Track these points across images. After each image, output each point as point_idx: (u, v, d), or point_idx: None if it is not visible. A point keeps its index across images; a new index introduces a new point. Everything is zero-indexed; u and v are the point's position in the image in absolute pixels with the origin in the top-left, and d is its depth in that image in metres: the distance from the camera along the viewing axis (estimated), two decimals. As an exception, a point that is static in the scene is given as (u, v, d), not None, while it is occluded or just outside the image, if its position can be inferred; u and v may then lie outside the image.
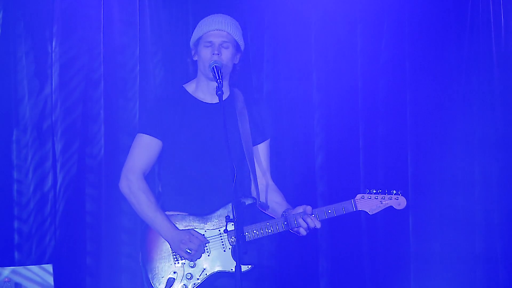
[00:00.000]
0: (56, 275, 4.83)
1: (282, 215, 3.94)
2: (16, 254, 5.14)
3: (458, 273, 5.72)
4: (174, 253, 3.89)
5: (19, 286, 4.69)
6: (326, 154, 5.63)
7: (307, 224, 3.87)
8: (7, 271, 4.71)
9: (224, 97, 3.95)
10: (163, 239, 3.90)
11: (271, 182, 4.14)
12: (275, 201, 4.07)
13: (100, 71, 5.26)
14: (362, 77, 5.68)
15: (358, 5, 5.66)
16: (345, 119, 5.68)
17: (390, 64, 5.71)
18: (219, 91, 3.76)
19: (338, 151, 5.66)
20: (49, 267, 4.77)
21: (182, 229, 3.89)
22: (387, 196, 3.93)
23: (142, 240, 3.98)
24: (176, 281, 3.86)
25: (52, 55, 5.21)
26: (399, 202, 3.93)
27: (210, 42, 3.92)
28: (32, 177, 5.18)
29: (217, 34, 3.93)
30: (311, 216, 3.88)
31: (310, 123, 5.64)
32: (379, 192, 3.92)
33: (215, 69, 3.85)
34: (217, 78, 3.81)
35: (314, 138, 5.64)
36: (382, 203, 3.92)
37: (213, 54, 3.91)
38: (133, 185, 3.94)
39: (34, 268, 4.76)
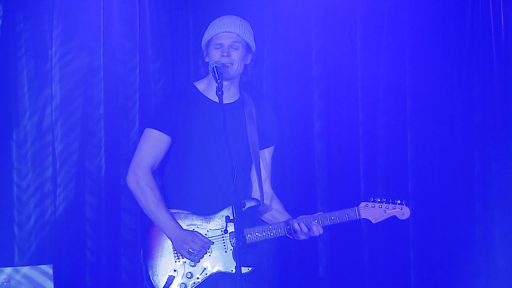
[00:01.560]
0: (56, 275, 4.83)
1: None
2: (16, 255, 5.15)
3: (458, 279, 5.72)
4: (175, 251, 3.89)
5: (19, 286, 4.69)
6: (326, 157, 5.64)
7: (310, 230, 3.89)
8: (7, 271, 4.71)
9: (234, 99, 3.98)
10: (165, 237, 3.89)
11: (271, 190, 4.14)
12: (276, 209, 4.08)
13: (100, 72, 5.27)
14: (362, 78, 5.69)
15: (358, 5, 5.66)
16: (345, 121, 5.69)
17: (390, 64, 5.72)
18: (218, 91, 3.75)
19: (338, 154, 5.67)
20: (49, 267, 4.77)
21: (186, 229, 3.88)
22: (391, 205, 3.93)
23: (143, 237, 3.96)
24: (176, 279, 3.85)
25: (52, 56, 5.22)
26: (402, 212, 3.93)
27: (219, 44, 3.93)
28: (32, 177, 5.19)
29: (226, 36, 3.94)
30: (314, 222, 3.89)
31: (310, 125, 5.65)
32: (384, 201, 3.92)
33: (214, 69, 3.84)
34: (217, 78, 3.79)
35: (314, 141, 5.65)
36: (386, 212, 3.92)
37: (222, 56, 3.91)
38: (141, 180, 3.90)
39: (34, 268, 4.76)
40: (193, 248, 3.84)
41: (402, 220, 5.55)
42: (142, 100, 5.28)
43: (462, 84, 5.77)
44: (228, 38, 3.93)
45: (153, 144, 3.95)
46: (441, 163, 5.75)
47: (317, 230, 3.89)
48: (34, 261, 5.12)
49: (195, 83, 4.07)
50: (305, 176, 5.63)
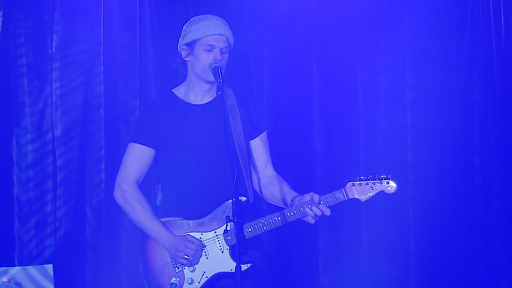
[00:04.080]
0: (56, 275, 4.83)
1: (290, 204, 3.90)
2: (16, 255, 5.15)
3: (457, 263, 5.72)
4: (173, 260, 3.91)
5: (19, 286, 4.69)
6: (325, 144, 5.65)
7: (314, 213, 3.82)
8: (7, 271, 4.71)
9: (213, 96, 3.96)
10: (161, 247, 3.91)
11: (274, 173, 4.11)
12: (281, 191, 4.02)
13: (100, 72, 5.27)
14: (362, 70, 5.68)
15: (358, 5, 5.66)
16: (345, 112, 5.68)
17: (390, 64, 5.71)
18: (219, 90, 3.75)
19: (338, 142, 5.67)
20: (49, 267, 4.77)
21: (178, 236, 3.90)
22: (377, 181, 3.85)
23: (141, 250, 3.99)
24: (177, 287, 3.87)
25: (52, 55, 5.22)
26: (389, 186, 3.86)
27: (211, 46, 3.90)
28: (32, 177, 5.19)
29: (219, 39, 3.91)
30: (319, 205, 3.82)
31: (310, 115, 5.65)
32: (369, 178, 3.85)
33: (216, 70, 3.83)
34: (219, 78, 3.80)
35: (313, 131, 5.65)
36: (373, 188, 3.85)
37: (214, 59, 3.89)
38: (127, 195, 3.97)
39: (34, 268, 4.76)
40: (187, 254, 3.85)
41: (402, 211, 5.63)
42: (143, 100, 5.28)
43: (462, 83, 5.77)
44: (220, 41, 3.91)
45: (137, 158, 4.00)
46: (441, 158, 5.75)
47: (318, 211, 3.82)
48: (34, 258, 5.13)
49: (174, 90, 4.07)
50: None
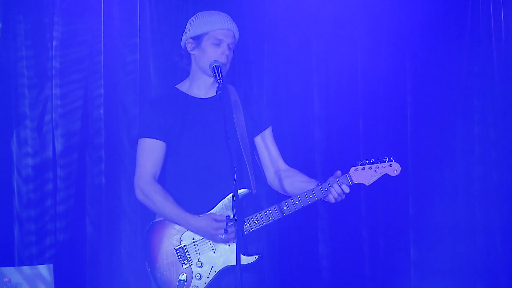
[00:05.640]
0: (56, 275, 4.83)
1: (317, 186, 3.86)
2: (16, 254, 5.14)
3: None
4: (180, 257, 3.87)
5: (19, 286, 4.68)
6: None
7: (336, 191, 3.81)
8: (7, 271, 4.70)
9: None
10: (166, 244, 3.88)
11: (286, 166, 4.09)
12: (301, 180, 3.99)
13: (100, 71, 5.26)
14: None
15: (359, 4, 5.68)
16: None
17: (390, 64, 5.73)
18: (219, 90, 3.74)
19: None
20: (49, 267, 4.76)
21: (205, 216, 3.84)
22: (380, 164, 3.83)
23: (146, 248, 3.94)
24: (186, 284, 3.83)
25: (52, 55, 5.21)
26: (393, 168, 3.84)
27: (220, 40, 3.89)
28: (32, 177, 5.18)
29: (227, 34, 3.91)
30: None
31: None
32: (372, 162, 3.83)
33: (216, 69, 3.82)
34: (218, 78, 3.78)
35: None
36: (377, 172, 3.83)
37: (222, 54, 3.88)
38: (145, 190, 3.91)
39: (34, 268, 4.76)
40: (225, 226, 3.80)
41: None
42: (143, 100, 5.28)
43: (462, 83, 5.79)
44: (228, 36, 3.91)
45: (149, 152, 3.95)
46: (441, 151, 5.80)
47: (338, 188, 3.81)
48: (34, 258, 5.12)
49: (177, 86, 4.06)
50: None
